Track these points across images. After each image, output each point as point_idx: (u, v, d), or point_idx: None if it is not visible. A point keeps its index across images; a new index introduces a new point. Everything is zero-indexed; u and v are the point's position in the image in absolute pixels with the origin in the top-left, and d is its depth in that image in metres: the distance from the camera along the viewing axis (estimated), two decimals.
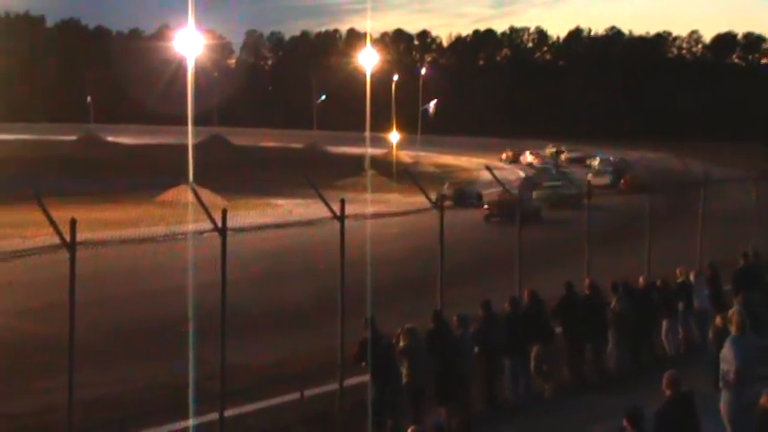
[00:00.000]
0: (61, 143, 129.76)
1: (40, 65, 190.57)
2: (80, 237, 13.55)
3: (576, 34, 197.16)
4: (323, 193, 17.15)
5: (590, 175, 62.97)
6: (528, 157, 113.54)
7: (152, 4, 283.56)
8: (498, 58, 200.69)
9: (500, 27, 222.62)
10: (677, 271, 21.42)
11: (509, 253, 21.02)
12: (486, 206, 44.09)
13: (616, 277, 19.81)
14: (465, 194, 58.65)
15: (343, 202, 16.82)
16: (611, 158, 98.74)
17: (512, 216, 24.08)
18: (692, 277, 21.08)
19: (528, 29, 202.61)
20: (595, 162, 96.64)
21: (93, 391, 16.01)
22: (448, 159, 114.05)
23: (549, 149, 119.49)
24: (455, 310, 16.60)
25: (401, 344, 15.18)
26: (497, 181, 22.89)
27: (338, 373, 16.09)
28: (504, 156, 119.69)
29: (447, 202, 20.52)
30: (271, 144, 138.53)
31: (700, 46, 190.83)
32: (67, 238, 13.41)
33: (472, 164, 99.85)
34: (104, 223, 36.81)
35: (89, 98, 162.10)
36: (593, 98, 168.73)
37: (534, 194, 52.25)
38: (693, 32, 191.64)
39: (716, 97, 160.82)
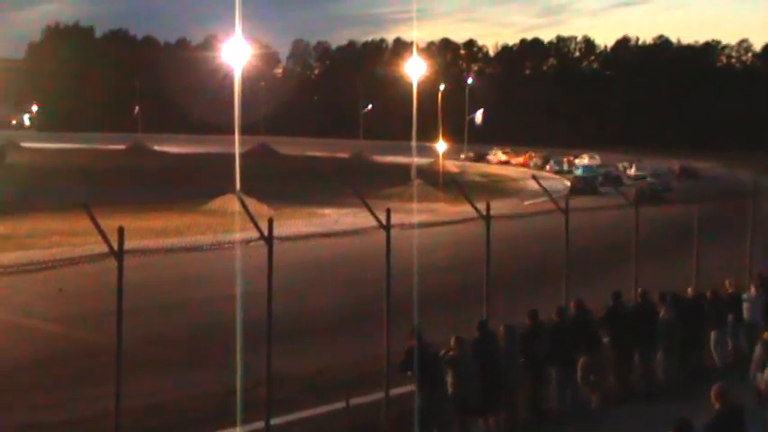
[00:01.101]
0: (110, 152, 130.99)
1: (89, 75, 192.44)
2: (128, 245, 13.65)
3: (623, 43, 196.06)
4: (369, 203, 17.15)
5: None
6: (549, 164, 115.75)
7: (199, 14, 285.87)
8: (545, 68, 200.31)
9: (547, 36, 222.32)
10: (726, 282, 21.23)
11: (558, 262, 20.91)
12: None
13: (665, 287, 19.68)
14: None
15: (388, 211, 16.81)
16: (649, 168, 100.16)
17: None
18: (752, 291, 20.90)
19: (575, 38, 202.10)
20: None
21: (141, 399, 16.09)
22: (494, 169, 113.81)
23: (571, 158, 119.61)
24: (502, 320, 16.57)
25: (448, 353, 15.15)
26: (543, 190, 22.81)
27: (384, 382, 16.07)
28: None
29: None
30: (317, 153, 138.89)
31: (749, 54, 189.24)
32: (115, 246, 13.50)
33: (519, 173, 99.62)
34: (152, 232, 37.10)
35: (137, 108, 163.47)
36: (639, 107, 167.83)
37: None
38: (743, 41, 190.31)
39: (765, 106, 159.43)
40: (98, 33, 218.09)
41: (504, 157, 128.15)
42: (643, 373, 18.65)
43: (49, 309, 24.56)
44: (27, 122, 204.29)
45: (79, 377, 18.79)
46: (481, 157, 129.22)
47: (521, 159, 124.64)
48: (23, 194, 59.27)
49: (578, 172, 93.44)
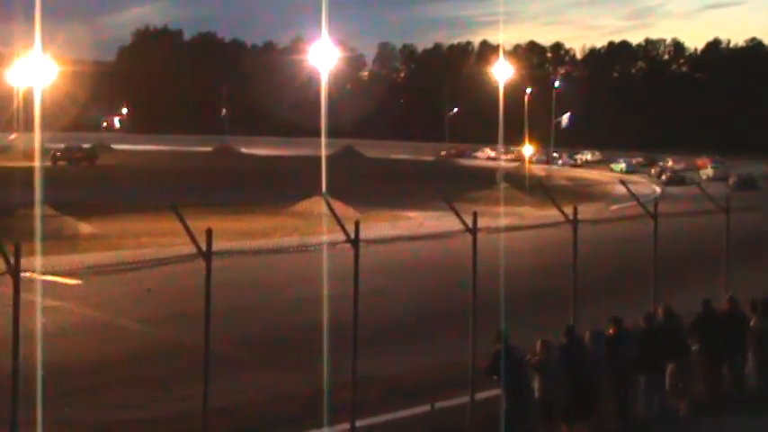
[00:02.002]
0: (197, 154, 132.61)
1: (177, 78, 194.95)
2: (215, 246, 13.78)
3: (714, 46, 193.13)
4: (454, 206, 17.11)
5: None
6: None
7: (286, 18, 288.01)
8: (633, 71, 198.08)
9: (635, 39, 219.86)
10: None
11: (645, 268, 20.67)
12: None
13: (757, 294, 19.31)
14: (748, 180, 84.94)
15: (475, 214, 16.76)
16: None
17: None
18: None
19: (664, 40, 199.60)
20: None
21: (227, 399, 16.19)
22: (581, 172, 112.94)
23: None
24: (588, 325, 16.41)
25: (534, 358, 15.04)
26: (631, 194, 22.54)
27: (469, 386, 16.00)
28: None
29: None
30: (402, 156, 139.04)
31: None
32: (204, 247, 13.64)
33: (605, 177, 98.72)
34: (238, 233, 37.43)
35: (224, 110, 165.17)
36: (730, 110, 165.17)
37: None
38: None
39: None
40: (186, 36, 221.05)
41: (492, 154, 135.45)
42: (733, 381, 18.33)
43: (137, 308, 24.89)
44: (117, 125, 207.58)
45: (166, 376, 19.00)
46: (462, 154, 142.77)
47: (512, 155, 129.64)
48: (113, 195, 60.26)
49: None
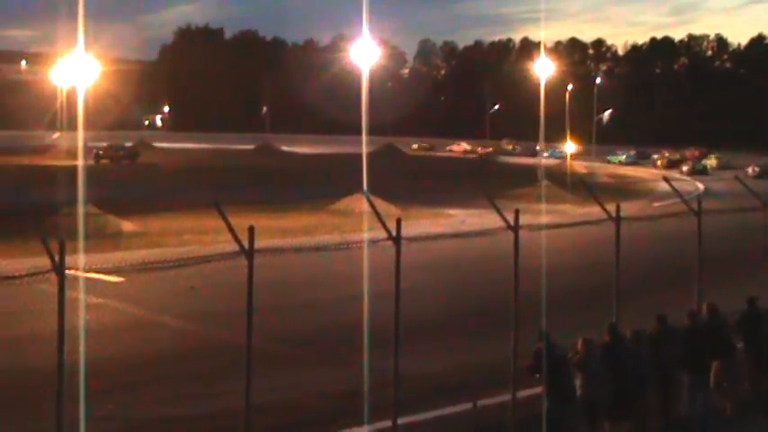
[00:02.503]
0: (238, 152, 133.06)
1: (218, 76, 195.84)
2: (257, 244, 13.83)
3: (758, 41, 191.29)
4: (496, 203, 17.08)
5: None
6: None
7: (327, 16, 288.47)
8: (675, 67, 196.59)
9: (678, 35, 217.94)
10: None
11: (688, 266, 20.51)
12: None
13: None
14: None
15: (517, 212, 16.73)
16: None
17: None
18: None
19: (707, 36, 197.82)
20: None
21: (268, 396, 16.25)
22: (624, 170, 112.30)
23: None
24: (631, 323, 16.32)
25: (576, 356, 14.97)
26: (675, 191, 22.38)
27: (511, 384, 15.96)
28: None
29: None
30: (443, 154, 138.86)
31: None
32: (246, 244, 13.69)
33: (648, 174, 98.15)
34: (279, 231, 37.55)
35: (265, 108, 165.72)
36: None
37: None
38: None
39: None
40: (228, 35, 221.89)
41: (468, 147, 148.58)
42: None
43: (180, 305, 25.03)
44: (159, 123, 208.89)
45: (208, 373, 19.09)
46: (434, 148, 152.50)
47: (490, 149, 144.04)
48: (155, 193, 60.61)
49: None
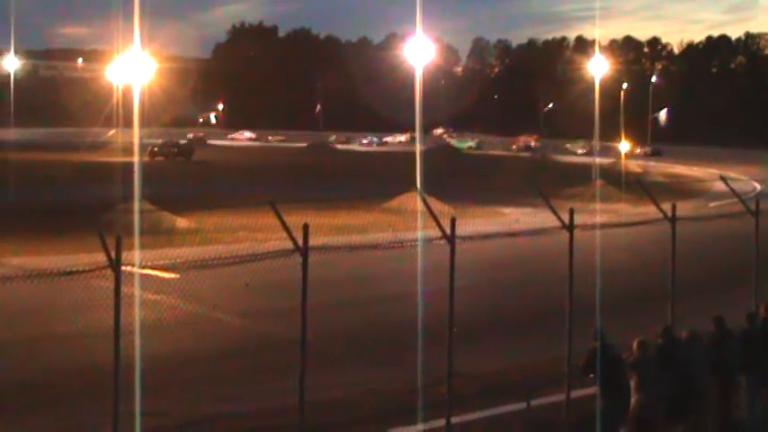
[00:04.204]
0: (292, 150, 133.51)
1: (272, 74, 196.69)
2: (311, 242, 13.87)
3: None
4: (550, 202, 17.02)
5: None
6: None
7: (380, 13, 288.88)
8: (732, 65, 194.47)
9: (735, 33, 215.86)
10: None
11: (745, 267, 20.30)
12: None
13: None
14: None
15: (572, 211, 16.67)
16: None
17: None
18: None
19: (765, 34, 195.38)
20: None
21: (321, 394, 16.27)
22: (679, 169, 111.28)
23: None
24: (687, 325, 16.16)
25: (631, 357, 14.84)
26: (733, 192, 22.15)
27: (565, 384, 15.87)
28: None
29: None
30: (497, 152, 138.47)
31: None
32: (300, 242, 13.73)
33: (704, 174, 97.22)
34: (333, 228, 37.56)
35: (318, 106, 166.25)
36: None
37: None
38: None
39: None
40: (281, 33, 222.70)
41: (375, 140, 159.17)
42: None
43: (234, 302, 25.16)
44: (213, 120, 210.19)
45: (262, 370, 19.17)
46: (348, 141, 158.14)
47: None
48: (209, 190, 60.98)
49: None
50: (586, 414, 15.11)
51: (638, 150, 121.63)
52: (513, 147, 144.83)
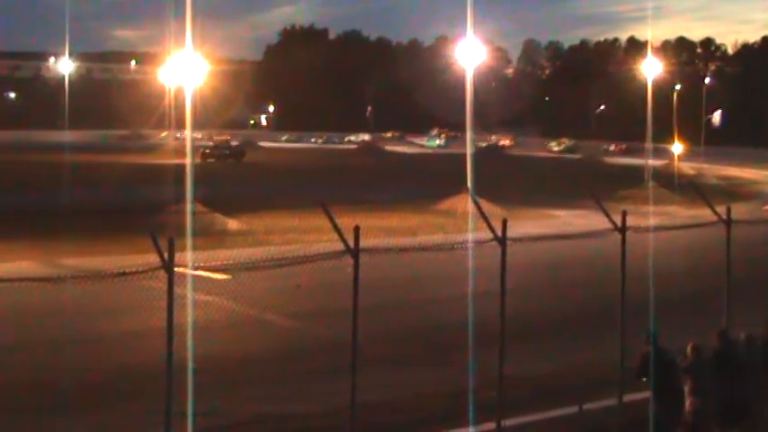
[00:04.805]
0: (343, 152, 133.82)
1: (323, 76, 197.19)
2: (362, 243, 13.89)
3: None
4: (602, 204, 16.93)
5: None
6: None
7: (431, 15, 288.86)
8: None
9: None
10: None
11: None
12: None
13: None
14: None
15: (624, 213, 16.58)
16: None
17: None
18: None
19: None
20: None
21: (371, 395, 16.23)
22: (733, 171, 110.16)
23: None
24: (742, 329, 15.97)
25: (685, 361, 14.69)
26: None
27: (618, 388, 15.75)
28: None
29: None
30: (547, 154, 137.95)
31: None
32: (351, 244, 13.75)
33: (760, 176, 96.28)
34: (383, 230, 37.57)
35: (369, 108, 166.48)
36: None
37: None
38: None
39: None
40: (332, 35, 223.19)
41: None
42: None
43: (285, 304, 25.23)
44: (264, 122, 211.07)
45: (313, 372, 19.19)
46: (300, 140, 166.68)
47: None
48: (260, 192, 61.27)
49: None
50: (639, 419, 14.98)
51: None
52: (483, 144, 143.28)
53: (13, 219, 43.52)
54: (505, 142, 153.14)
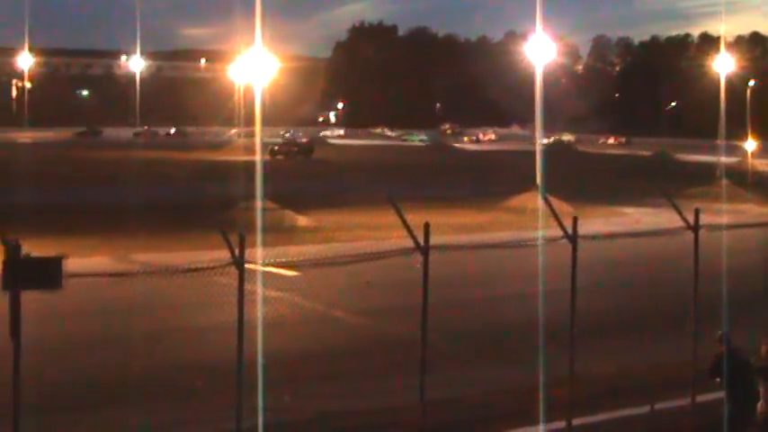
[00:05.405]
0: (411, 149, 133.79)
1: (392, 73, 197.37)
2: (431, 240, 13.87)
3: None
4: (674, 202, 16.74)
5: None
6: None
7: (500, 11, 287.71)
8: None
9: None
10: None
11: None
12: None
13: None
14: None
15: (697, 211, 16.39)
16: None
17: None
18: None
19: None
20: None
21: (439, 392, 16.19)
22: None
23: None
24: None
25: (759, 362, 14.47)
26: None
27: (690, 388, 15.57)
28: None
29: None
30: (617, 151, 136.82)
31: None
32: (421, 241, 13.73)
33: None
34: (452, 227, 37.52)
35: (438, 104, 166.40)
36: None
37: None
38: None
39: None
40: (401, 32, 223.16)
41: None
42: None
43: (354, 300, 25.27)
44: (333, 119, 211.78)
45: (382, 368, 19.19)
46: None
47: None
48: (329, 189, 61.47)
49: None
50: (712, 420, 14.80)
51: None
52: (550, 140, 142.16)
53: (88, 214, 44.12)
54: (570, 138, 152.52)
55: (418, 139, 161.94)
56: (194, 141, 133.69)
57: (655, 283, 27.90)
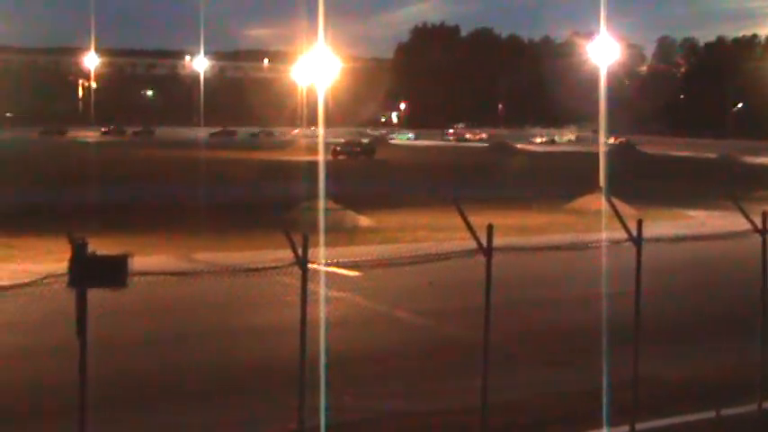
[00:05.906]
0: (473, 150, 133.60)
1: (454, 73, 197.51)
2: (494, 242, 13.83)
3: None
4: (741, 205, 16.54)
5: None
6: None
7: (563, 12, 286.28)
8: None
9: None
10: None
11: None
12: None
13: None
14: None
15: (764, 214, 16.13)
16: None
17: None
18: None
19: None
20: None
21: (502, 395, 16.13)
22: None
23: None
24: None
25: None
26: None
27: (758, 394, 15.36)
28: None
29: None
30: (682, 153, 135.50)
31: None
32: (484, 242, 13.69)
33: None
34: (514, 229, 37.40)
35: (501, 105, 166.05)
36: None
37: None
38: None
39: None
40: (463, 32, 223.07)
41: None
42: None
43: (416, 301, 25.23)
44: (395, 120, 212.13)
45: (443, 369, 19.14)
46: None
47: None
48: (390, 189, 61.52)
49: None
50: None
51: None
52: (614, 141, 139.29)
53: (151, 213, 44.54)
54: (628, 140, 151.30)
55: (406, 137, 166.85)
56: (260, 141, 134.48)
57: (722, 287, 27.60)
